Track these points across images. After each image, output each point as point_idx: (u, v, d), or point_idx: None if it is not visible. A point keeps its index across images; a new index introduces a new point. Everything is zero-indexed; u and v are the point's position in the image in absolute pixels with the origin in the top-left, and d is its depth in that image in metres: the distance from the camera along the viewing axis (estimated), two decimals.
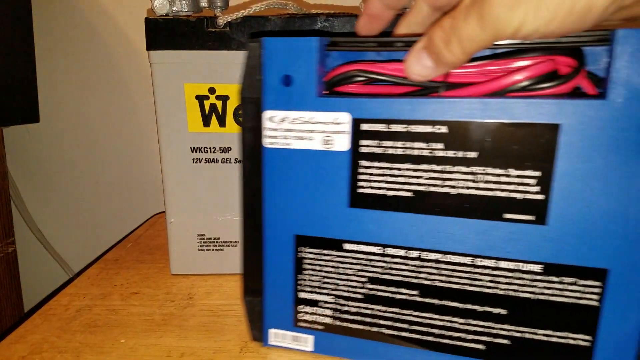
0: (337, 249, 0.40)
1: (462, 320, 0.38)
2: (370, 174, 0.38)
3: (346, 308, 0.42)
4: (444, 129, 0.35)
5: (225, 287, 0.57)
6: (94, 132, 0.96)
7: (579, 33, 0.31)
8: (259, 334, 0.45)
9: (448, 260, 0.37)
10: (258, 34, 0.52)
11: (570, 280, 0.35)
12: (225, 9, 0.54)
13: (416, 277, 0.39)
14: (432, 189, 0.36)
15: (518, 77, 0.33)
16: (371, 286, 0.40)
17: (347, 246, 0.40)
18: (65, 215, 1.01)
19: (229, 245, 0.59)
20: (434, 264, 0.38)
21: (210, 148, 0.56)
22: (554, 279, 0.35)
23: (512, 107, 0.33)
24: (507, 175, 0.34)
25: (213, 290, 0.56)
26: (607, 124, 0.31)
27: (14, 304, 0.90)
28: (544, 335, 0.36)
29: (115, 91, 0.93)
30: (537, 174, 0.33)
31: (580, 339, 0.35)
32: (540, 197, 0.34)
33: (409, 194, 0.37)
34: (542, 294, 0.36)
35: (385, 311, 0.40)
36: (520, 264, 0.36)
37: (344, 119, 0.37)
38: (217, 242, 0.59)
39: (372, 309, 0.41)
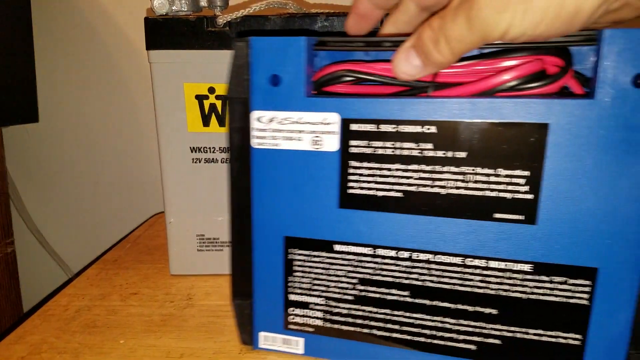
0: (327, 250, 0.41)
1: (453, 321, 0.39)
2: (360, 175, 0.38)
3: (337, 310, 0.42)
4: (433, 129, 0.36)
5: (224, 288, 0.58)
6: (93, 132, 0.96)
7: None
8: (248, 338, 0.45)
9: (439, 260, 0.38)
10: (247, 33, 0.53)
11: (560, 279, 0.35)
12: (224, 9, 0.54)
13: (407, 278, 0.39)
14: (422, 189, 0.37)
15: (506, 77, 0.33)
16: (362, 287, 0.41)
17: (337, 247, 0.40)
18: (65, 215, 1.02)
19: (228, 246, 0.59)
20: (424, 265, 0.38)
21: (209, 148, 0.56)
22: (544, 278, 0.36)
23: (500, 107, 0.34)
24: (497, 175, 0.35)
25: (212, 291, 0.57)
26: (595, 124, 0.32)
27: (13, 305, 0.91)
28: (535, 334, 0.37)
29: (114, 91, 0.94)
30: (526, 173, 0.34)
31: (571, 338, 0.36)
32: (529, 196, 0.34)
33: (399, 194, 0.38)
34: (533, 293, 0.36)
35: (376, 312, 0.41)
36: (511, 263, 0.36)
37: (333, 119, 0.38)
38: (216, 242, 0.60)
39: (363, 311, 0.41)
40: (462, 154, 0.35)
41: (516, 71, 0.33)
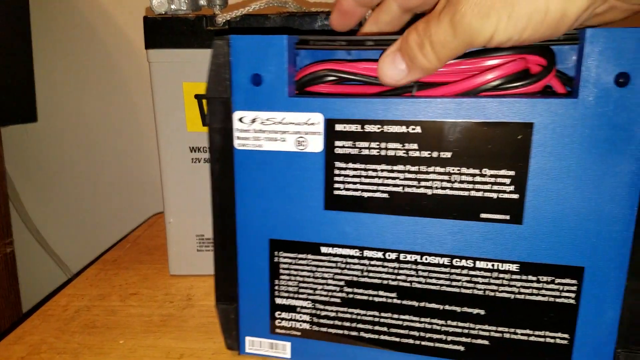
0: (313, 253, 0.42)
1: (441, 322, 0.40)
2: (346, 176, 0.39)
3: (324, 313, 0.43)
4: (418, 129, 0.36)
5: None
6: (92, 132, 0.98)
7: None
8: (234, 343, 0.46)
9: (426, 261, 0.39)
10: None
11: (546, 279, 0.37)
12: (224, 7, 0.55)
13: (394, 279, 0.40)
14: (408, 189, 0.38)
15: (490, 76, 0.34)
16: (349, 290, 0.41)
17: (324, 249, 0.41)
18: (64, 215, 1.03)
19: None
20: (411, 266, 0.39)
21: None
22: (531, 278, 0.37)
23: (485, 106, 0.35)
24: (482, 175, 0.36)
25: (212, 291, 0.58)
26: (579, 123, 0.33)
27: (12, 305, 0.92)
28: (523, 334, 0.38)
29: (113, 90, 0.96)
30: (511, 173, 0.35)
31: (558, 338, 0.37)
32: (514, 196, 0.36)
33: (385, 195, 0.38)
34: (520, 293, 0.37)
35: (363, 315, 0.42)
36: (498, 263, 0.37)
37: (317, 120, 0.38)
38: None
39: (351, 313, 0.42)
40: (448, 154, 0.36)
41: (500, 70, 0.34)
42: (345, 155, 0.39)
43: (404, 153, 0.37)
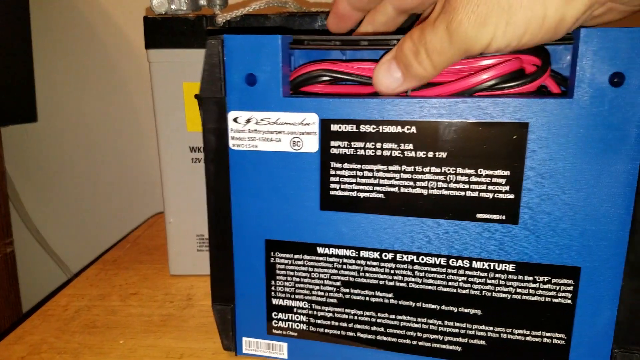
0: (310, 253, 0.42)
1: (437, 322, 0.40)
2: (342, 176, 0.39)
3: (321, 313, 0.43)
4: (413, 129, 0.36)
5: None
6: (92, 132, 0.99)
7: None
8: (231, 343, 0.46)
9: (422, 261, 0.39)
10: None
11: (543, 279, 0.37)
12: (224, 8, 0.55)
13: (391, 280, 0.40)
14: (403, 190, 0.38)
15: (485, 76, 0.34)
16: (346, 290, 0.42)
17: (320, 250, 0.41)
18: (64, 215, 1.04)
19: None
20: (408, 266, 0.40)
21: None
22: (528, 278, 0.37)
23: (480, 106, 0.35)
24: (478, 175, 0.36)
25: None
26: (574, 123, 0.33)
27: (12, 305, 0.93)
28: (520, 335, 0.38)
29: (113, 90, 0.97)
30: (507, 173, 0.35)
31: (555, 338, 0.38)
32: (510, 196, 0.36)
33: (380, 196, 0.39)
34: (517, 293, 0.38)
35: (360, 315, 0.42)
36: (494, 263, 0.38)
37: (312, 120, 0.38)
38: None
39: (347, 314, 0.42)
40: (443, 154, 0.36)
41: (494, 70, 0.34)
42: (341, 155, 0.39)
43: (399, 153, 0.37)
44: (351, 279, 0.41)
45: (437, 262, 0.39)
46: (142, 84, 0.96)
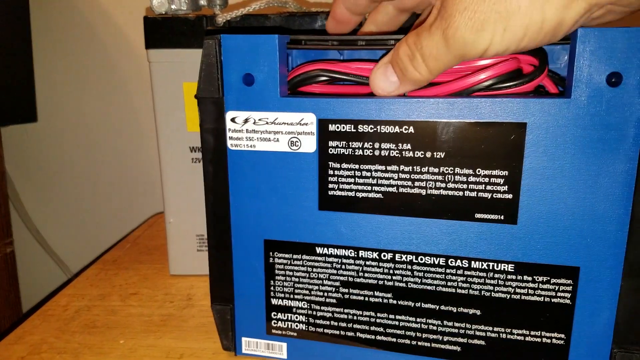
0: (308, 253, 0.42)
1: (437, 322, 0.40)
2: (340, 176, 0.39)
3: (320, 313, 0.43)
4: (411, 129, 0.37)
5: None
6: (92, 132, 0.99)
7: None
8: (230, 343, 0.46)
9: (421, 261, 0.39)
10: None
11: (542, 279, 0.37)
12: (224, 7, 0.56)
13: (390, 280, 0.40)
14: (402, 190, 0.38)
15: (482, 76, 0.35)
16: (345, 290, 0.42)
17: (319, 250, 0.41)
18: (64, 215, 1.04)
19: None
20: (407, 266, 0.40)
21: None
22: (527, 278, 0.37)
23: (478, 106, 0.35)
24: (476, 175, 0.36)
25: None
26: (572, 123, 0.33)
27: (12, 305, 0.94)
28: (519, 335, 0.38)
29: (113, 90, 0.97)
30: (505, 173, 0.35)
31: (555, 338, 0.38)
32: (508, 196, 0.36)
33: (379, 196, 0.39)
34: (516, 293, 0.38)
35: (359, 315, 0.42)
36: (493, 263, 0.38)
37: (309, 120, 0.39)
38: None
39: (346, 314, 0.42)
40: (441, 154, 0.36)
41: (492, 70, 0.34)
42: (339, 155, 0.39)
43: (397, 153, 0.38)
44: (350, 279, 0.42)
45: (436, 262, 0.39)
46: (142, 84, 0.96)
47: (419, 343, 0.41)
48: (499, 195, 0.36)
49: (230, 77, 0.40)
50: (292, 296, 0.44)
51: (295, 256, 0.42)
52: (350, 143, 0.38)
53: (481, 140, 0.36)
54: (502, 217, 0.37)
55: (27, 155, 1.02)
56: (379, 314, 0.42)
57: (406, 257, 0.40)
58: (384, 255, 0.40)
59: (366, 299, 0.42)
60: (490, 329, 0.39)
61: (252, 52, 0.39)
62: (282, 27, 0.54)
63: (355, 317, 0.42)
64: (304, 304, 0.43)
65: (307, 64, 0.40)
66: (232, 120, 0.41)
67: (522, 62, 0.35)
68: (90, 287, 0.62)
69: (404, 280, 0.40)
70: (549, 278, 0.37)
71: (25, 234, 1.03)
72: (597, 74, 0.33)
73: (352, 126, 0.38)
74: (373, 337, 0.42)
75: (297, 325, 0.44)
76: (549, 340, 0.38)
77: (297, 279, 0.43)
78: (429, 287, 0.40)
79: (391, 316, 0.41)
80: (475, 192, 0.37)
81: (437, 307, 0.40)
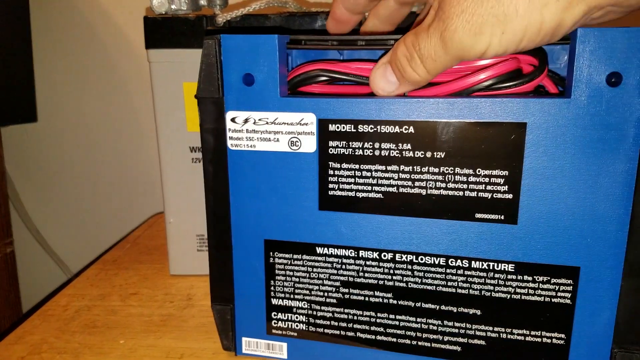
0: (309, 253, 0.42)
1: (437, 322, 0.40)
2: (340, 176, 0.39)
3: (320, 313, 0.43)
4: (411, 129, 0.37)
5: None
6: (92, 132, 0.99)
7: None
8: (230, 344, 0.46)
9: (421, 261, 0.39)
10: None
11: (542, 278, 0.37)
12: (224, 7, 0.56)
13: (390, 280, 0.40)
14: (402, 190, 0.38)
15: (482, 76, 0.35)
16: (345, 290, 0.42)
17: (319, 250, 0.42)
18: (64, 215, 1.05)
19: None
20: (407, 266, 0.40)
21: None
22: (527, 278, 0.37)
23: (478, 106, 0.35)
24: (476, 175, 0.36)
25: None
26: (572, 123, 0.33)
27: (12, 305, 0.94)
28: (519, 334, 0.38)
29: (113, 90, 0.97)
30: (505, 173, 0.35)
31: (555, 338, 0.38)
32: (508, 196, 0.36)
33: (379, 196, 0.39)
34: (516, 293, 0.38)
35: (360, 315, 0.42)
36: (493, 263, 0.38)
37: (310, 120, 0.39)
38: None
39: (347, 314, 0.42)
40: (441, 154, 0.37)
41: (492, 70, 0.34)
42: (339, 155, 0.39)
43: (397, 153, 0.38)
44: (350, 279, 0.42)
45: (436, 262, 0.39)
46: (142, 84, 0.96)
47: (419, 343, 0.41)
48: (499, 195, 0.36)
49: (230, 77, 0.40)
50: (292, 296, 0.44)
51: (295, 256, 0.42)
52: (351, 143, 0.38)
53: (481, 140, 0.36)
54: (503, 217, 0.37)
55: (27, 155, 1.02)
56: (379, 314, 0.42)
57: (406, 257, 0.40)
58: (384, 255, 0.40)
59: (366, 299, 0.42)
60: (491, 329, 0.39)
61: (252, 52, 0.39)
62: (282, 27, 0.55)
63: (355, 317, 0.42)
64: (304, 304, 0.43)
65: (307, 64, 0.40)
66: (232, 120, 0.41)
67: (522, 62, 0.35)
68: (90, 287, 0.62)
69: (404, 280, 0.40)
70: (549, 278, 0.37)
71: (25, 234, 1.03)
72: (597, 74, 0.33)
73: (352, 126, 0.38)
74: (373, 337, 0.42)
75: (297, 325, 0.44)
76: (549, 340, 0.38)
77: (297, 279, 0.43)
78: (429, 287, 0.40)
79: (391, 316, 0.41)
80: (476, 192, 0.37)
81: (438, 307, 0.40)
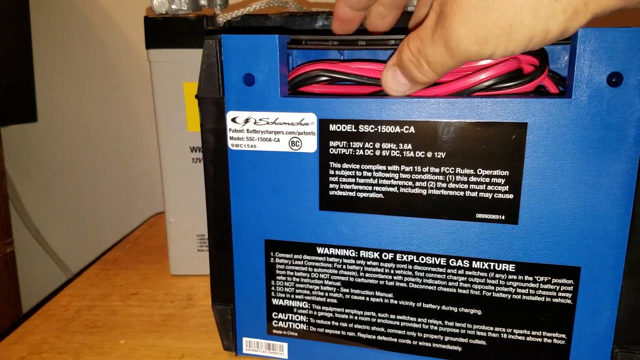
0: (309, 253, 0.42)
1: (438, 322, 0.40)
2: (341, 176, 0.39)
3: (321, 313, 0.43)
4: (411, 129, 0.37)
5: None
6: (92, 132, 0.99)
7: None
8: (231, 344, 0.46)
9: (422, 261, 0.39)
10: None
11: (543, 279, 0.37)
12: (225, 7, 0.56)
13: (391, 280, 0.40)
14: (403, 190, 0.38)
15: (483, 76, 0.35)
16: (346, 290, 0.42)
17: (320, 250, 0.42)
18: (64, 215, 1.05)
19: None
20: (408, 266, 0.40)
21: None
22: (528, 278, 0.37)
23: (478, 106, 0.35)
24: (477, 175, 0.36)
25: None
26: (573, 123, 0.34)
27: (12, 305, 0.94)
28: (520, 335, 0.39)
29: (114, 90, 0.97)
30: (506, 173, 0.36)
31: (556, 338, 0.38)
32: (509, 196, 0.36)
33: (380, 196, 0.39)
34: (517, 293, 0.38)
35: (360, 315, 0.42)
36: (494, 263, 0.38)
37: (310, 120, 0.39)
38: None
39: (348, 314, 0.42)
40: (442, 154, 0.37)
41: (492, 70, 0.35)
42: (340, 155, 0.39)
43: (398, 153, 0.38)
44: (351, 279, 0.42)
45: (437, 262, 0.39)
46: (142, 84, 0.96)
47: (420, 343, 0.41)
48: (500, 195, 0.36)
49: (230, 77, 0.40)
50: (292, 296, 0.44)
51: (296, 256, 0.42)
52: (351, 143, 0.38)
53: (482, 140, 0.36)
54: (503, 217, 0.37)
55: (27, 155, 1.02)
56: (380, 314, 0.42)
57: (407, 257, 0.40)
58: (385, 255, 0.40)
59: (367, 299, 0.42)
60: (491, 329, 0.39)
61: (253, 52, 0.39)
62: (282, 27, 0.55)
63: (356, 317, 0.42)
64: (304, 304, 0.43)
65: (308, 64, 0.40)
66: (233, 120, 0.41)
67: (523, 62, 0.35)
68: (91, 287, 0.62)
69: (405, 280, 0.40)
70: (550, 278, 0.37)
71: (25, 234, 1.03)
72: (598, 74, 0.33)
73: (353, 126, 0.38)
74: (374, 337, 0.42)
75: (298, 326, 0.44)
76: (550, 340, 0.38)
77: (297, 279, 0.43)
78: (430, 287, 0.40)
79: (392, 316, 0.42)
80: (476, 192, 0.37)
81: (438, 307, 0.40)
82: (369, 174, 0.39)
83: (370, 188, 0.39)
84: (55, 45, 0.96)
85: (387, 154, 0.38)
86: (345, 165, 0.39)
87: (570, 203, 0.35)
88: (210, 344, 0.49)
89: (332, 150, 0.39)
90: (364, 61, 0.39)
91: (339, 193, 0.40)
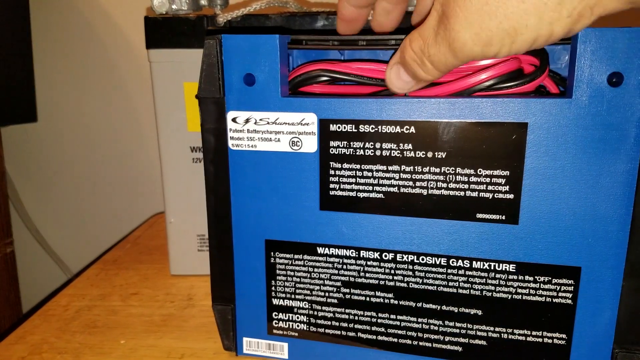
0: (310, 253, 0.42)
1: (438, 322, 0.40)
2: (341, 176, 0.39)
3: (321, 313, 0.43)
4: (412, 129, 0.37)
5: None
6: (92, 132, 0.99)
7: None
8: (231, 344, 0.46)
9: (422, 261, 0.39)
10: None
11: (543, 279, 0.37)
12: (225, 7, 0.56)
13: (391, 280, 0.40)
14: (403, 190, 0.38)
15: (483, 76, 0.35)
16: (346, 290, 0.42)
17: (320, 250, 0.42)
18: (64, 215, 1.05)
19: None
20: (408, 266, 0.40)
21: None
22: (528, 278, 0.37)
23: (479, 106, 0.35)
24: (477, 175, 0.36)
25: None
26: (574, 123, 0.34)
27: (12, 305, 0.94)
28: (521, 335, 0.38)
29: (114, 90, 0.97)
30: (506, 173, 0.36)
31: (556, 338, 0.38)
32: (510, 196, 0.36)
33: (380, 196, 0.39)
34: (517, 293, 0.38)
35: (361, 315, 0.42)
36: (494, 263, 0.38)
37: (311, 120, 0.39)
38: None
39: (348, 314, 0.42)
40: (442, 154, 0.37)
41: (493, 70, 0.35)
42: (340, 155, 0.39)
43: (398, 153, 0.38)
44: (351, 279, 0.42)
45: (437, 262, 0.39)
46: (142, 84, 0.96)
47: (421, 343, 0.41)
48: (501, 196, 0.36)
49: (231, 77, 0.40)
50: (293, 296, 0.44)
51: (296, 256, 0.42)
52: (352, 143, 0.38)
53: (482, 140, 0.36)
54: (504, 217, 0.37)
55: (27, 155, 1.02)
56: (380, 314, 0.42)
57: (407, 257, 0.40)
58: (385, 255, 0.40)
59: (367, 299, 0.42)
60: (492, 329, 0.39)
61: (253, 52, 0.39)
62: (282, 27, 0.55)
63: (356, 317, 0.42)
64: (305, 304, 0.43)
65: (308, 64, 0.40)
66: (233, 120, 0.41)
67: (523, 62, 0.35)
68: (91, 287, 0.62)
69: (405, 280, 0.40)
70: (550, 278, 0.37)
71: (25, 234, 1.03)
72: (598, 74, 0.33)
73: (353, 126, 0.38)
74: (374, 337, 0.42)
75: (298, 326, 0.44)
76: (550, 341, 0.38)
77: (298, 279, 0.43)
78: (430, 287, 0.40)
79: (392, 316, 0.41)
80: (477, 192, 0.37)
81: (439, 307, 0.40)
82: (370, 174, 0.39)
83: (370, 188, 0.39)
84: (55, 45, 0.96)
85: (388, 154, 0.38)
86: (345, 165, 0.39)
87: (570, 203, 0.35)
88: (211, 344, 0.49)
89: (332, 150, 0.39)
90: (364, 61, 0.39)
91: (340, 193, 0.40)
